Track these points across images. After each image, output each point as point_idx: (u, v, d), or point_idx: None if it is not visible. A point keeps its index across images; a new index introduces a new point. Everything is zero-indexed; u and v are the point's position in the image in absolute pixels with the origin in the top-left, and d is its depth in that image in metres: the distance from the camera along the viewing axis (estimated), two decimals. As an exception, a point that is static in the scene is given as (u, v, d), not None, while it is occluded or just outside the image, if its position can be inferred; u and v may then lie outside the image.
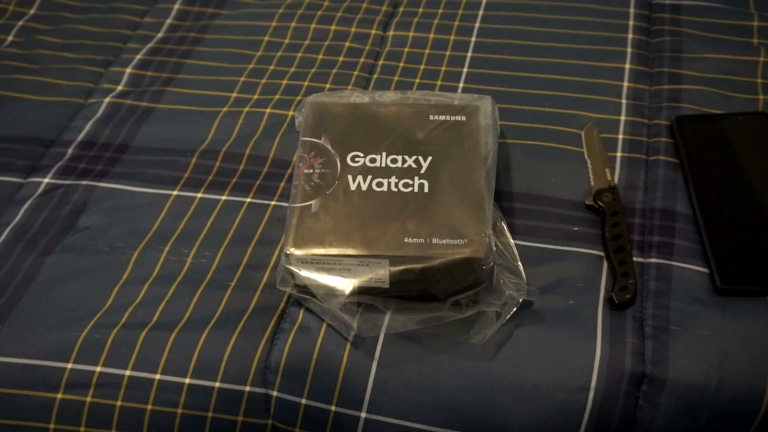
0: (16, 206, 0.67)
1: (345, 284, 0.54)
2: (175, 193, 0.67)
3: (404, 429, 0.54)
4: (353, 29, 0.83)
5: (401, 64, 0.78)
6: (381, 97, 0.64)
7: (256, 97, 0.76)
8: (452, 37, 0.81)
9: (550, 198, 0.64)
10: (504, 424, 0.53)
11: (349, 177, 0.57)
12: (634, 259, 0.60)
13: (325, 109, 0.63)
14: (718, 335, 0.54)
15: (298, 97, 0.75)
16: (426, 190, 0.56)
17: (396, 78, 0.77)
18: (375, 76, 0.78)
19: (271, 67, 0.79)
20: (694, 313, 0.56)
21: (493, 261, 0.53)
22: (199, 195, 0.67)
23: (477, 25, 0.82)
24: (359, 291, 0.55)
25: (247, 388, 0.55)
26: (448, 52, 0.79)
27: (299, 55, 0.81)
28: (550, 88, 0.74)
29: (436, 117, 0.61)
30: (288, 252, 0.55)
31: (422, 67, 0.78)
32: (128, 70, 0.81)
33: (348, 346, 0.55)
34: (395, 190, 0.57)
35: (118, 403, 0.55)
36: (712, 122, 0.68)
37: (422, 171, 0.58)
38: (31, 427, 0.55)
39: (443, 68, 0.77)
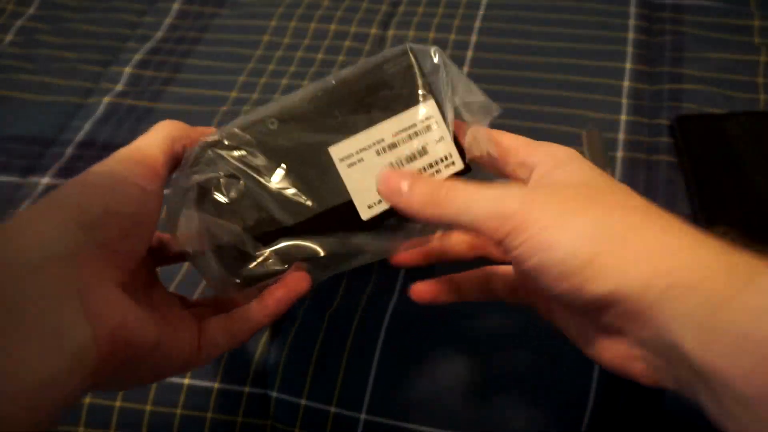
0: (15, 206, 0.67)
1: None
2: (174, 192, 0.67)
3: (404, 430, 0.54)
4: (353, 29, 0.83)
5: (401, 64, 0.78)
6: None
7: (255, 96, 0.76)
8: (452, 37, 0.81)
9: (551, 198, 0.64)
10: (504, 424, 0.53)
11: None
12: (635, 259, 0.59)
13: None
14: (718, 335, 0.54)
15: (298, 97, 0.75)
16: None
17: (396, 78, 0.77)
18: (375, 75, 0.77)
19: (271, 67, 0.79)
20: (694, 313, 0.56)
21: None
22: (199, 195, 0.66)
23: (477, 24, 0.82)
24: None
25: (247, 389, 0.55)
26: (448, 52, 0.79)
27: (299, 54, 0.80)
28: (550, 88, 0.74)
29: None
30: None
31: (422, 66, 0.77)
32: (127, 70, 0.81)
33: (348, 346, 0.55)
34: None
35: (117, 403, 0.55)
36: (713, 122, 0.68)
37: None
38: (29, 427, 0.55)
39: (443, 68, 0.77)
